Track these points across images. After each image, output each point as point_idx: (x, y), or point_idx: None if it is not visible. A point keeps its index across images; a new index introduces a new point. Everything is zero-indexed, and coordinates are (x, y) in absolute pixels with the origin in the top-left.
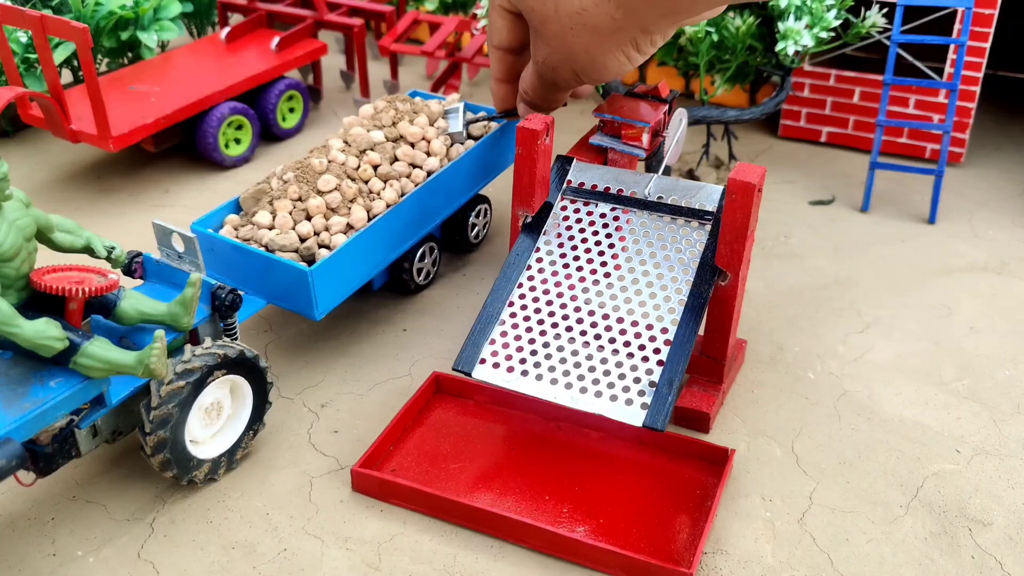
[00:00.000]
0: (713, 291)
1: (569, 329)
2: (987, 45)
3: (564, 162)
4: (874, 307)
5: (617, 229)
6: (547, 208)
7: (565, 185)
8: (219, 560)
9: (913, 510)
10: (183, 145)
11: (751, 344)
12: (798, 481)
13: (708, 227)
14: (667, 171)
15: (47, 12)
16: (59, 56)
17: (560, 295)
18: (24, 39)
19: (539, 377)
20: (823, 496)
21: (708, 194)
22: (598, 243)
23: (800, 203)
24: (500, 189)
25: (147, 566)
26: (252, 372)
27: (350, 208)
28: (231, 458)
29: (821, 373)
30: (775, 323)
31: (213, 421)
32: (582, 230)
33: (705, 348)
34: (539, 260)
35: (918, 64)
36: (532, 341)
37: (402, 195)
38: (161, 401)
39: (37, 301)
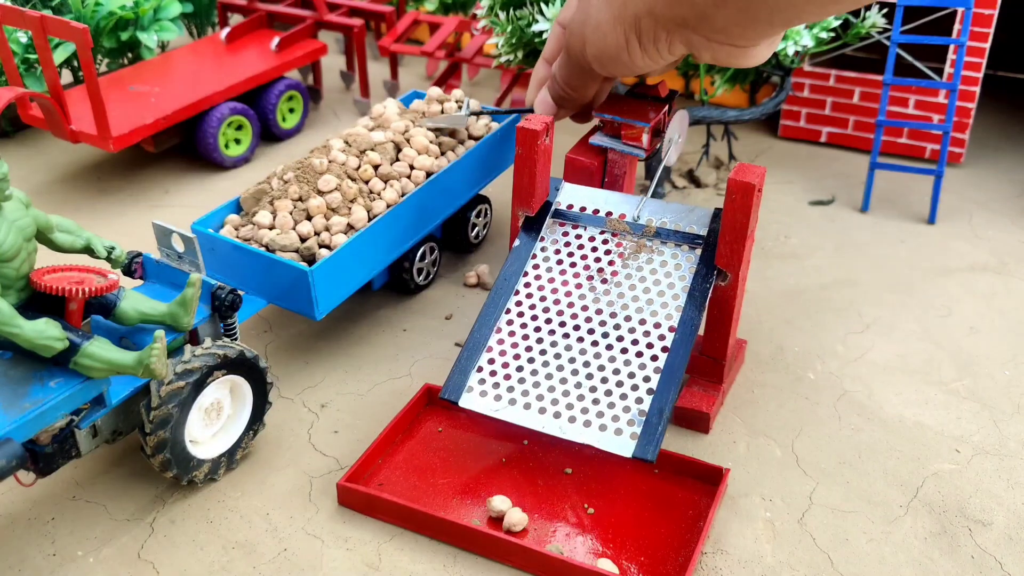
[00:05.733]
0: (713, 291)
1: (558, 356)
2: (987, 45)
3: (554, 184)
4: (874, 307)
5: (606, 253)
6: (547, 207)
7: (554, 207)
8: (219, 560)
9: (913, 510)
10: (183, 145)
11: (751, 344)
12: (798, 481)
13: (698, 251)
14: (667, 172)
15: (47, 12)
16: (59, 56)
17: (548, 321)
18: (24, 39)
19: (527, 406)
20: (823, 496)
21: (699, 217)
22: (587, 267)
23: (800, 203)
24: (500, 189)
25: (147, 566)
26: (252, 372)
27: (350, 208)
28: (231, 458)
29: (821, 373)
30: (775, 323)
31: (213, 421)
32: (571, 254)
33: (705, 348)
34: (527, 285)
35: (918, 64)
36: (520, 369)
37: (402, 195)
38: (161, 401)
39: (37, 301)
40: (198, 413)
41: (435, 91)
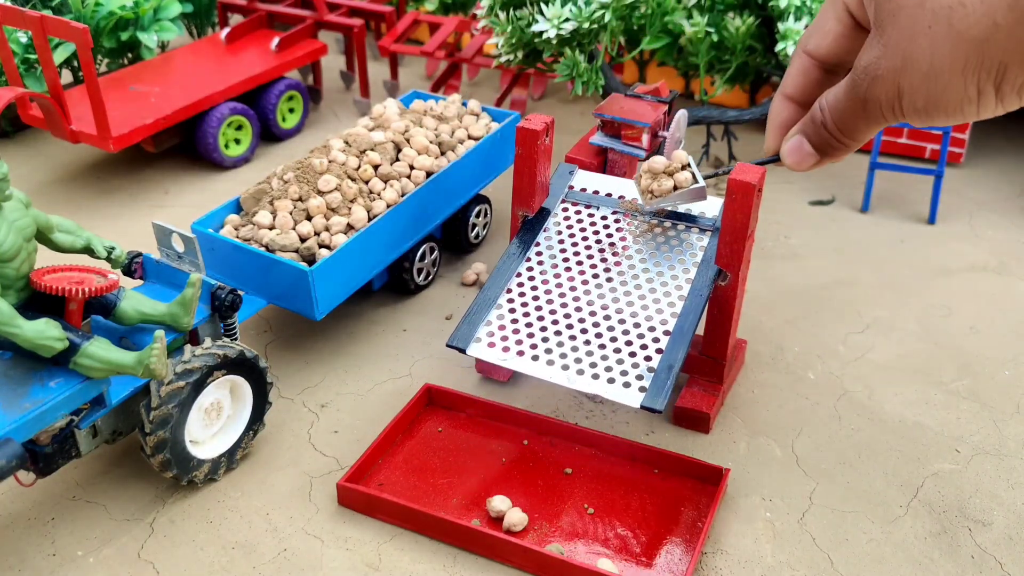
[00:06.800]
0: (713, 291)
1: (567, 316)
2: None
3: (567, 169)
4: (874, 307)
5: (618, 230)
6: (546, 211)
7: (567, 189)
8: (219, 560)
9: (913, 510)
10: (183, 145)
11: (751, 344)
12: (798, 481)
13: (708, 234)
14: None
15: (47, 12)
16: (59, 56)
17: (559, 286)
18: (24, 39)
19: (535, 358)
20: (823, 496)
21: (709, 203)
22: (599, 241)
23: (800, 203)
24: (500, 189)
25: (147, 566)
26: (252, 372)
27: (350, 208)
28: (231, 458)
29: (821, 373)
30: (775, 323)
31: (213, 421)
32: (583, 229)
33: (705, 348)
34: (539, 254)
35: None
36: (529, 325)
37: (402, 195)
38: (161, 401)
39: (37, 301)
40: (198, 413)
41: (659, 162)
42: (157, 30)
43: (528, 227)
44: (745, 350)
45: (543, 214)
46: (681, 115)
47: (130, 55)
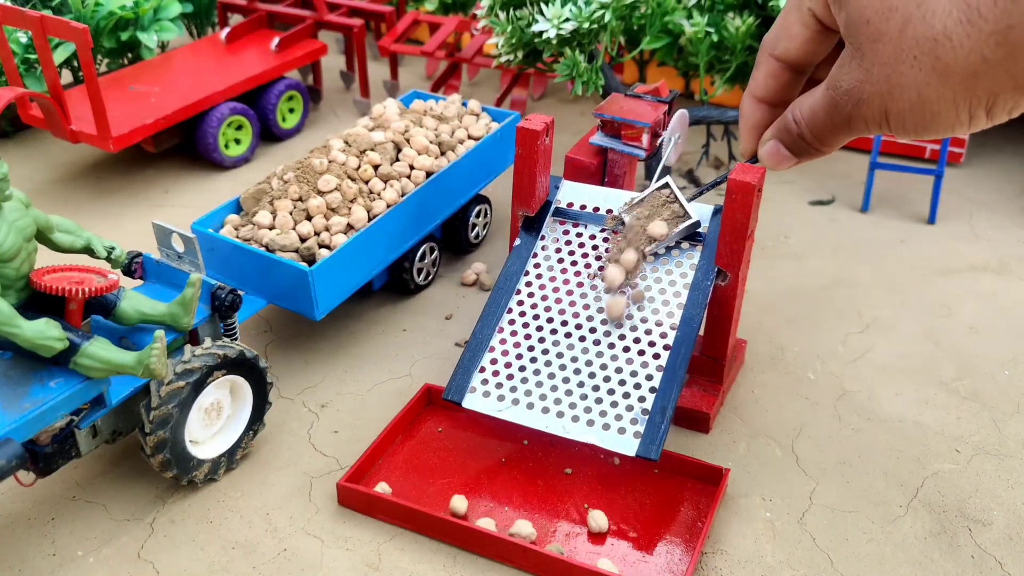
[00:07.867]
0: (713, 291)
1: (560, 356)
2: None
3: (553, 183)
4: (874, 307)
5: (607, 252)
6: (547, 207)
7: (554, 205)
8: (219, 560)
9: (913, 510)
10: (183, 145)
11: (751, 344)
12: (798, 481)
13: (699, 249)
14: (666, 171)
15: (47, 12)
16: (59, 56)
17: (550, 320)
18: (24, 39)
19: (530, 406)
20: (823, 496)
21: (698, 214)
22: (588, 266)
23: (800, 203)
24: (500, 189)
25: (147, 566)
26: (252, 372)
27: (350, 208)
28: (231, 458)
29: (821, 373)
30: (775, 323)
31: (213, 421)
32: (571, 252)
33: (705, 348)
34: (528, 284)
35: None
36: (523, 368)
37: (402, 195)
38: (161, 401)
39: (37, 301)
40: (198, 413)
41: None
42: (157, 30)
43: (516, 253)
44: (745, 350)
45: (544, 212)
46: (681, 115)
47: (130, 55)
